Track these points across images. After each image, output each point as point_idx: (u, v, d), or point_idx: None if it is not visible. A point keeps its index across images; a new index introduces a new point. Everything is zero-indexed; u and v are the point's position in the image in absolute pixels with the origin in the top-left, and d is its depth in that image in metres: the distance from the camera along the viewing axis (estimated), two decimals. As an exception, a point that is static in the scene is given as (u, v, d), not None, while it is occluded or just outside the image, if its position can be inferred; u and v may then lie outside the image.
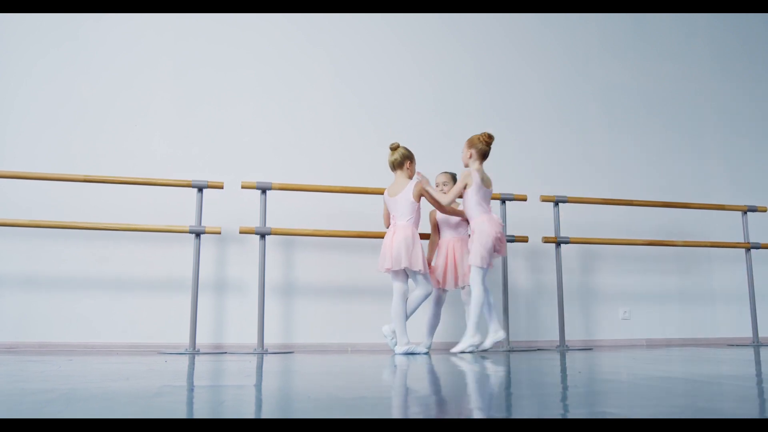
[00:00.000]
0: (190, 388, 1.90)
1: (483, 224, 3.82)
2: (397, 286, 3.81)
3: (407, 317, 3.80)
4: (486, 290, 3.80)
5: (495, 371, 2.60)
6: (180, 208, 4.31)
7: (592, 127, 5.35)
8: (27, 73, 4.48)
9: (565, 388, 1.94)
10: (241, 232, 4.16)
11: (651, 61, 5.59)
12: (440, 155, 4.83)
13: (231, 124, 4.69)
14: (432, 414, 1.45)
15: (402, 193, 3.84)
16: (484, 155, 3.96)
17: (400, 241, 3.72)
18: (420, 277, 3.77)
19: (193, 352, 3.91)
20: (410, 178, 3.92)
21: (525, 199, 4.58)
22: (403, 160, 3.91)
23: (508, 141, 5.11)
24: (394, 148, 3.93)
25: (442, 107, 5.07)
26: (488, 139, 3.93)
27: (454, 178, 4.15)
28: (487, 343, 3.80)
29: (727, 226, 5.27)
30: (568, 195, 4.73)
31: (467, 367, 2.82)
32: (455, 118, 5.06)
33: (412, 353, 3.70)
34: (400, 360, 3.20)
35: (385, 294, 4.60)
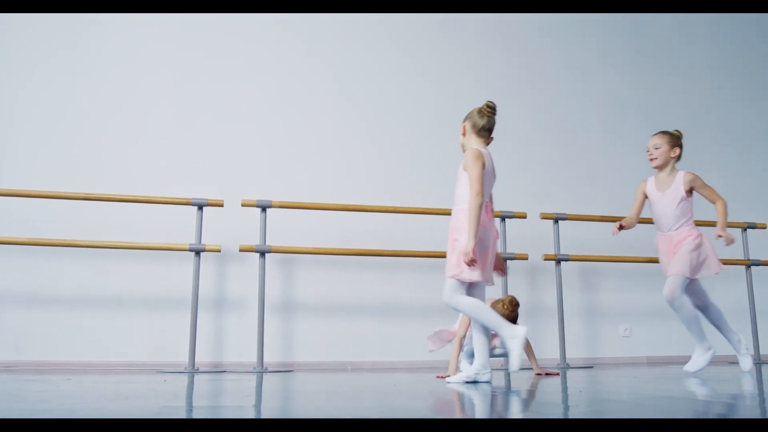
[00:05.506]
0: (189, 409, 1.89)
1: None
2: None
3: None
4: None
5: (493, 391, 2.58)
6: (180, 225, 4.31)
7: (591, 144, 5.37)
8: (22, 85, 4.51)
9: (565, 408, 1.93)
10: (241, 250, 4.16)
11: (650, 76, 5.62)
12: (441, 168, 4.84)
13: (231, 142, 4.70)
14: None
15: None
16: None
17: None
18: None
19: (192, 370, 3.89)
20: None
21: (525, 217, 4.60)
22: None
23: (508, 158, 5.11)
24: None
25: (444, 124, 5.08)
26: None
27: (669, 140, 3.63)
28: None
29: (726, 243, 5.26)
30: (568, 212, 4.74)
31: (469, 389, 2.80)
32: (456, 134, 5.06)
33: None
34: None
35: (385, 311, 4.60)
